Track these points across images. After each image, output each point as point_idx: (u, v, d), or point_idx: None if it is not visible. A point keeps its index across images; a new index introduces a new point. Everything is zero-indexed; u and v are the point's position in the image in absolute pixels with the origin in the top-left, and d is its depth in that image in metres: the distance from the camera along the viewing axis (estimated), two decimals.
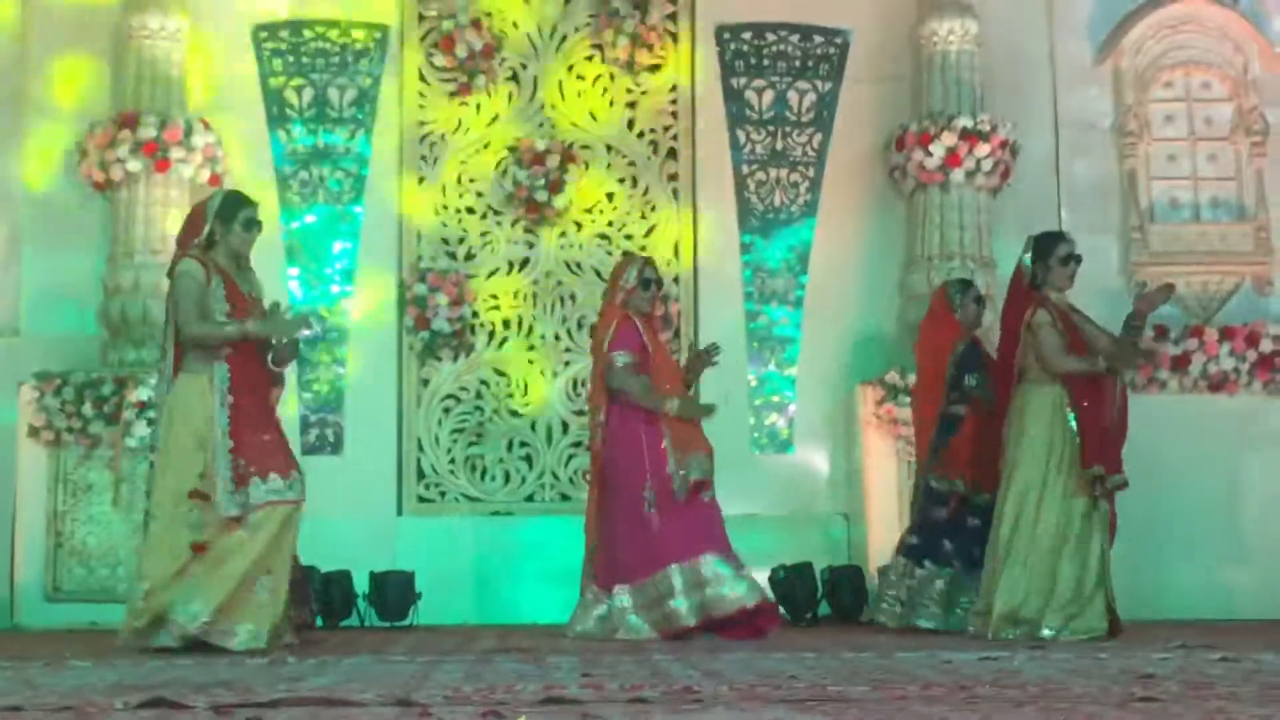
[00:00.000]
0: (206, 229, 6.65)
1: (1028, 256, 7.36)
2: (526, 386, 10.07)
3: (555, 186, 10.00)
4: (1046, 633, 7.01)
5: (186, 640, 6.32)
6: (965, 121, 9.81)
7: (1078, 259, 7.33)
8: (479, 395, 10.04)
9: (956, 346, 8.20)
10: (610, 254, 10.14)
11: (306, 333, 6.91)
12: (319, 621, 8.55)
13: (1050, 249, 7.33)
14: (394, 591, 9.10)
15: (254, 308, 6.70)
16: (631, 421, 7.47)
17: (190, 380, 6.55)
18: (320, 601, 8.69)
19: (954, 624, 7.86)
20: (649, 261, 7.90)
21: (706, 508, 7.41)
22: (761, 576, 9.08)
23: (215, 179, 9.73)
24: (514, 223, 10.12)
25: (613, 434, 7.52)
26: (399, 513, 9.85)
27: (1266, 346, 9.87)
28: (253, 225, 6.76)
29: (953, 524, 8.04)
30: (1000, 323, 7.63)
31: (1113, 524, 7.18)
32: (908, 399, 9.38)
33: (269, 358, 6.73)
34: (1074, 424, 7.13)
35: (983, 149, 9.80)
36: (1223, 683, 4.38)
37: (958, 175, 9.81)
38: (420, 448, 9.97)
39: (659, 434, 7.41)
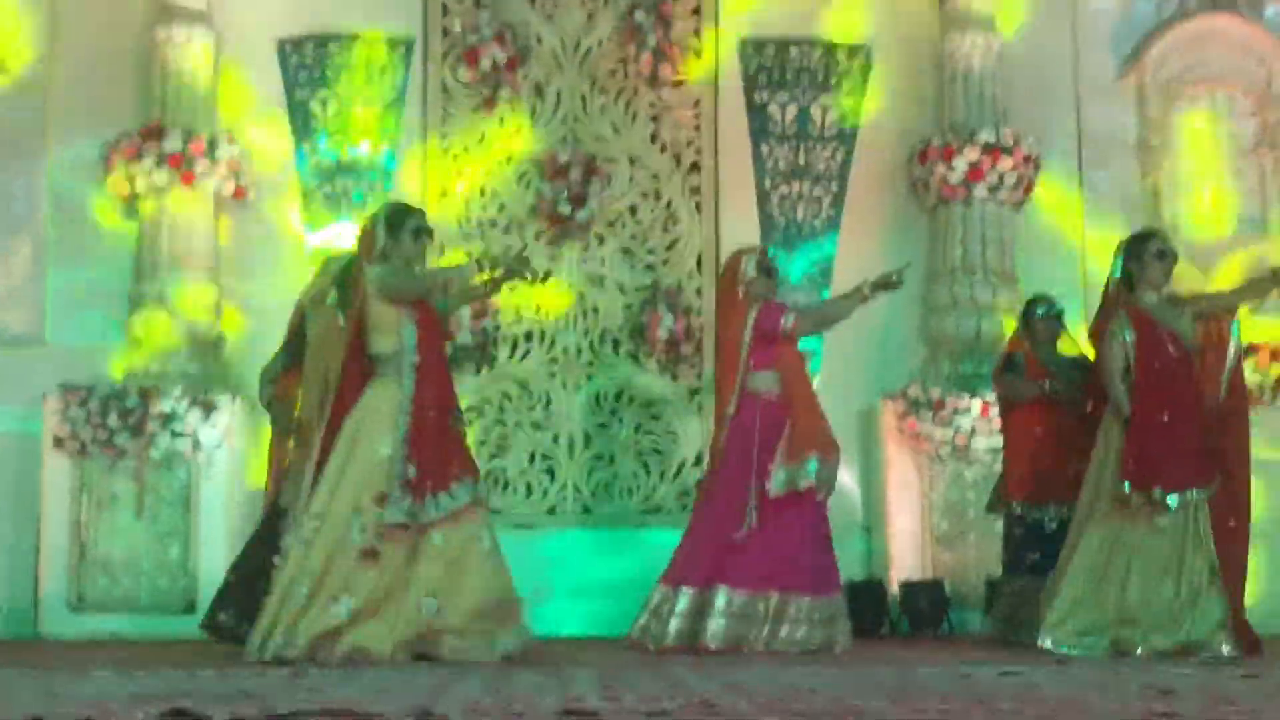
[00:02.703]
0: (380, 243, 6.65)
1: (1119, 263, 7.35)
2: (549, 399, 10.08)
3: (578, 200, 10.02)
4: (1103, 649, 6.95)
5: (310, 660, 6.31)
6: (988, 136, 9.82)
7: (1173, 254, 7.31)
8: (501, 408, 10.05)
9: (1002, 360, 8.22)
10: (633, 267, 10.16)
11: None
12: None
13: (1142, 247, 7.29)
14: None
15: (438, 324, 6.74)
16: (747, 431, 7.49)
17: (384, 385, 6.55)
18: None
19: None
20: (763, 250, 7.95)
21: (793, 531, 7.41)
22: None
23: (240, 192, 9.78)
24: (537, 235, 10.14)
25: (730, 437, 7.53)
26: None
27: None
28: (421, 234, 6.71)
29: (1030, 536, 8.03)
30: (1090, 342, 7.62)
31: (1234, 530, 7.10)
32: (930, 412, 9.39)
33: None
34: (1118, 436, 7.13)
35: (1005, 163, 9.80)
36: (1245, 699, 4.36)
37: (980, 189, 9.82)
38: None
39: (777, 434, 7.43)
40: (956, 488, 9.47)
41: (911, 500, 9.50)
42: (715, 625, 7.23)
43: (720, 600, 7.26)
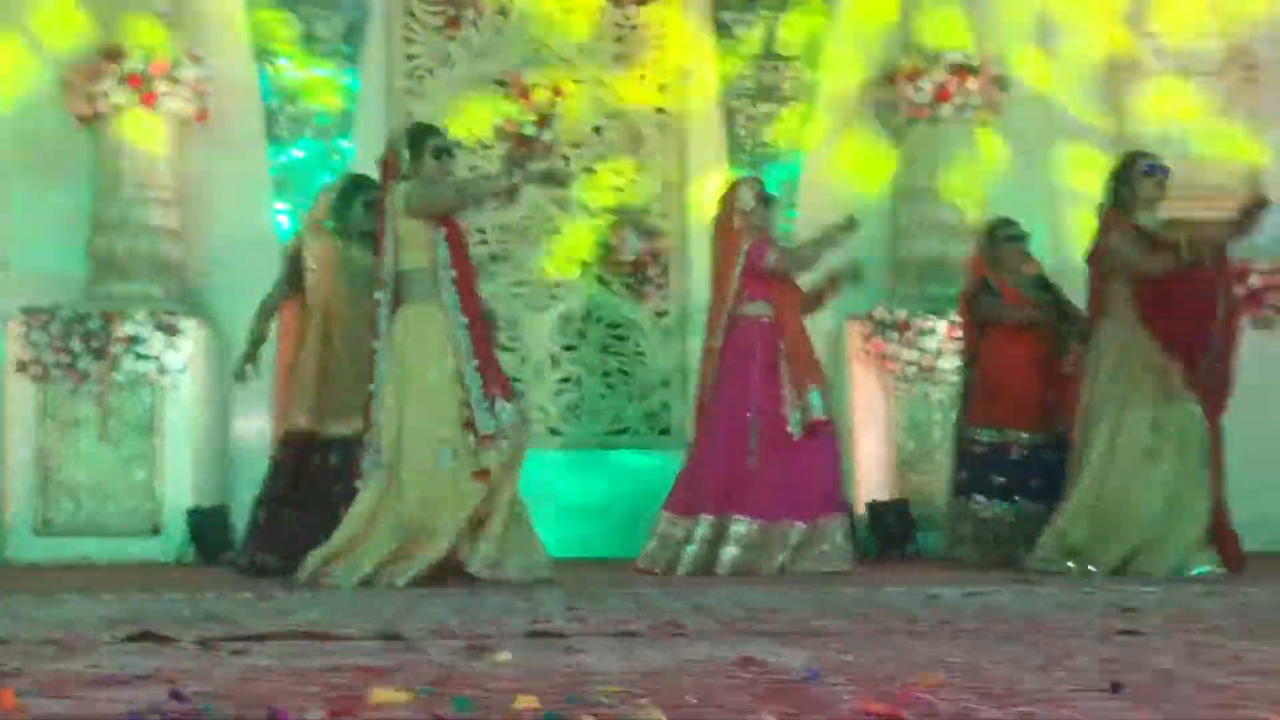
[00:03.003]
0: (403, 163, 6.61)
1: (1109, 187, 7.33)
2: (515, 321, 10.06)
3: (543, 121, 9.96)
4: (1092, 568, 6.98)
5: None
6: (955, 56, 9.77)
7: (1163, 169, 7.27)
8: None
9: (976, 294, 8.21)
10: (599, 189, 10.11)
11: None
12: None
13: (1130, 166, 7.28)
14: None
15: (465, 236, 6.84)
16: (745, 354, 7.49)
17: (420, 311, 6.54)
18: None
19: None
20: (760, 179, 7.94)
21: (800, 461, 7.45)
22: None
23: (202, 113, 9.68)
24: (503, 157, 10.07)
25: (724, 365, 7.54)
26: None
27: (1255, 282, 9.87)
28: (443, 154, 6.70)
29: (994, 459, 8.08)
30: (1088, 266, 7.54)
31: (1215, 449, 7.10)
32: (896, 333, 9.40)
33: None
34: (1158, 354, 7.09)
35: (972, 84, 9.76)
36: (1207, 616, 4.40)
37: (947, 110, 9.78)
38: None
39: (774, 367, 7.44)
40: (922, 408, 9.49)
41: (877, 421, 9.52)
42: (729, 554, 7.30)
43: (738, 529, 7.35)
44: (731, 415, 7.47)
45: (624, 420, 10.09)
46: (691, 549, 7.34)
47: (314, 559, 6.45)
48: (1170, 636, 3.71)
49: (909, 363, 9.41)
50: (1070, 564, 7.05)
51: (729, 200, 7.73)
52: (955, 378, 9.03)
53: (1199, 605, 4.87)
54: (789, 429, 7.43)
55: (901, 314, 9.45)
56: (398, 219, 6.55)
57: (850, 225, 7.61)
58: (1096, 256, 7.31)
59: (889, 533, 9.22)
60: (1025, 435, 8.02)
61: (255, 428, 9.42)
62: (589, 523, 9.11)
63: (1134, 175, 7.23)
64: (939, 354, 9.35)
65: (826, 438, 7.58)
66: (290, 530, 7.10)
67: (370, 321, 6.68)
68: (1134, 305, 7.14)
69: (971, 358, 8.27)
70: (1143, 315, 7.10)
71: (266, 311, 7.63)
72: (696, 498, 7.46)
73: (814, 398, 7.48)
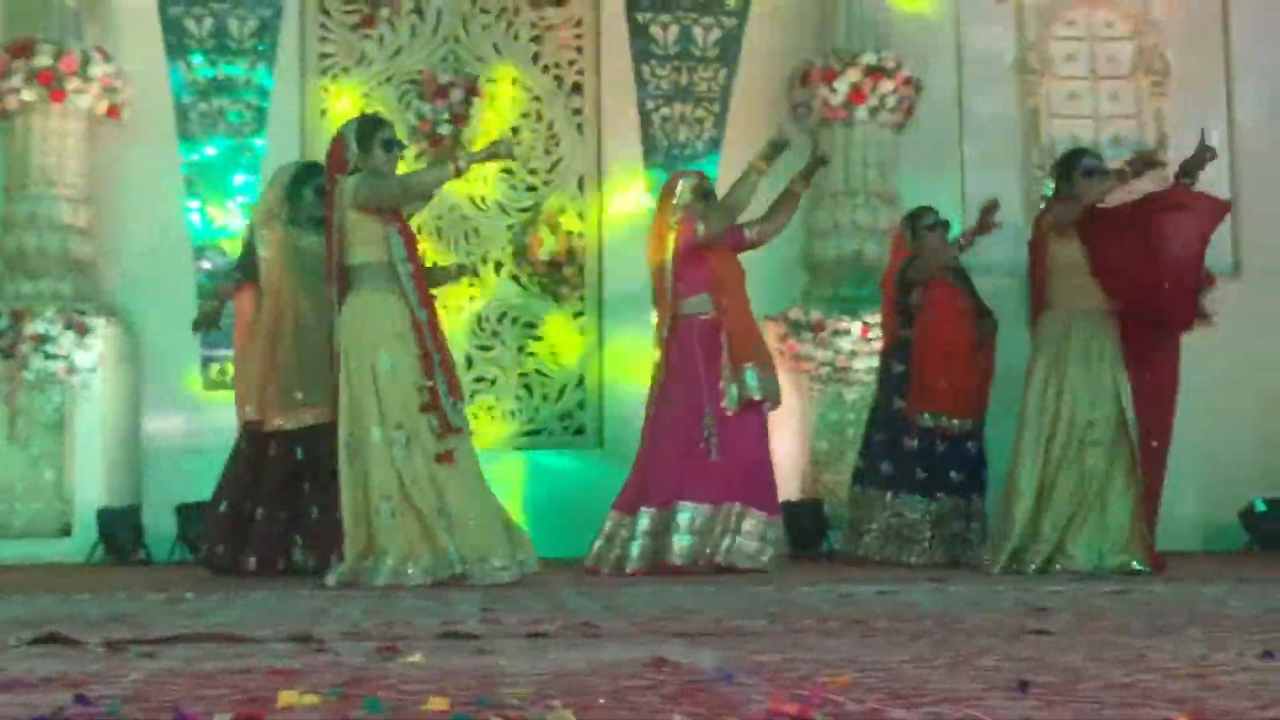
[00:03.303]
0: (352, 156, 6.56)
1: (1049, 185, 7.38)
2: None
3: (459, 120, 9.94)
4: (1031, 567, 7.00)
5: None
6: (869, 58, 9.83)
7: (1104, 171, 7.22)
8: None
9: (902, 268, 8.32)
10: (515, 188, 10.10)
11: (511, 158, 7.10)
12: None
13: (1071, 165, 7.26)
14: None
15: (413, 232, 6.83)
16: (689, 352, 7.47)
17: (372, 297, 6.49)
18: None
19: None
20: (701, 174, 7.90)
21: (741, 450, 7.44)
22: None
23: (113, 110, 9.58)
24: (417, 156, 10.04)
25: (670, 363, 7.52)
26: None
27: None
28: (393, 146, 6.68)
29: (924, 451, 8.16)
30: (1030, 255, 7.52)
31: (1155, 450, 7.07)
32: (810, 334, 9.45)
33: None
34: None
35: (886, 86, 9.83)
36: (1114, 615, 4.45)
37: (861, 112, 9.83)
38: None
39: (718, 358, 7.43)
40: (836, 409, 9.53)
41: (792, 421, 9.54)
42: (680, 542, 7.27)
43: (684, 516, 7.30)
44: (681, 411, 7.45)
45: (539, 421, 10.07)
46: (636, 544, 7.32)
47: (349, 569, 6.36)
48: (1078, 635, 3.75)
49: (823, 363, 9.46)
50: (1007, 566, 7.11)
51: (665, 196, 7.73)
52: (869, 378, 9.09)
53: (1107, 604, 4.92)
54: (723, 404, 7.41)
55: (816, 315, 9.49)
56: (345, 212, 6.53)
57: (775, 148, 7.55)
58: (1039, 241, 7.31)
59: (803, 532, 9.25)
60: (956, 421, 8.13)
61: (166, 427, 9.37)
62: None
63: (1074, 175, 7.23)
64: (853, 354, 9.40)
65: (759, 420, 7.56)
66: (262, 528, 7.09)
67: (320, 313, 6.71)
68: (1092, 283, 7.13)
69: (897, 346, 8.34)
70: (1116, 279, 7.07)
71: (221, 295, 7.70)
72: (642, 493, 7.44)
73: (749, 376, 7.46)
